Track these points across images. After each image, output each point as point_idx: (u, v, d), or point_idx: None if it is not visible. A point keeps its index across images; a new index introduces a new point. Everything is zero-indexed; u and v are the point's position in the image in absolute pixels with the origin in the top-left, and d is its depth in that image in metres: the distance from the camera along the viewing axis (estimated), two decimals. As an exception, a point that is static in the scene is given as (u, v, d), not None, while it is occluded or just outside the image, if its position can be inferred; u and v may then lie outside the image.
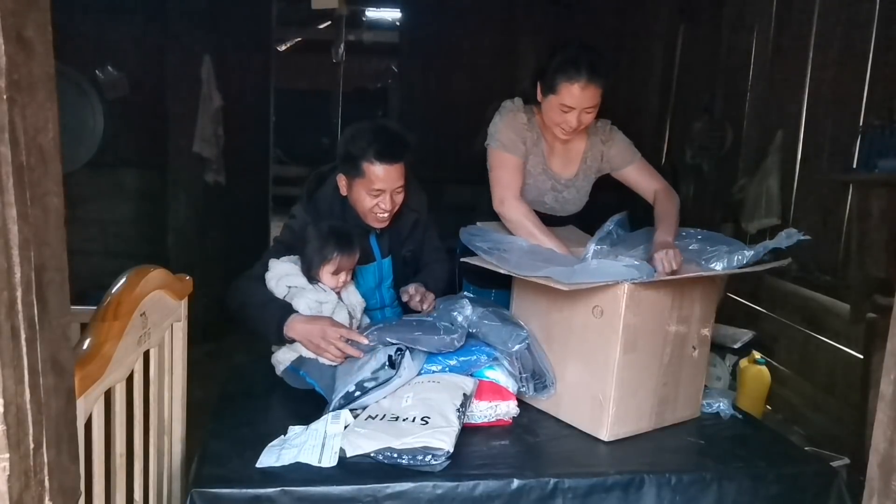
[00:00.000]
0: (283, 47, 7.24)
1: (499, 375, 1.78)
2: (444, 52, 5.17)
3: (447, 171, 4.27)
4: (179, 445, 1.79)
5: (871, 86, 2.82)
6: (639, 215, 2.04)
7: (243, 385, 1.88)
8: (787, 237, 1.75)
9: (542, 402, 1.81)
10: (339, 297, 1.93)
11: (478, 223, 2.03)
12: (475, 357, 1.75)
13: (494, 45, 5.07)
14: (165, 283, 1.61)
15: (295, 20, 6.82)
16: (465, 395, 1.62)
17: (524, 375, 1.75)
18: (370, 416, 1.58)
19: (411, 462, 1.43)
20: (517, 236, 1.96)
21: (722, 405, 1.89)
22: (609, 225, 1.89)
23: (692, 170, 4.13)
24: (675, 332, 1.74)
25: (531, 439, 1.68)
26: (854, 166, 2.83)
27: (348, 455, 1.46)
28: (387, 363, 1.65)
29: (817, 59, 3.18)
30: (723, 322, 3.18)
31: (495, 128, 2.11)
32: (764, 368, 3.06)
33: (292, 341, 1.81)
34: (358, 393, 1.64)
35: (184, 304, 1.77)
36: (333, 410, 1.63)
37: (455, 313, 1.81)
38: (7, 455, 0.79)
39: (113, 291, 1.32)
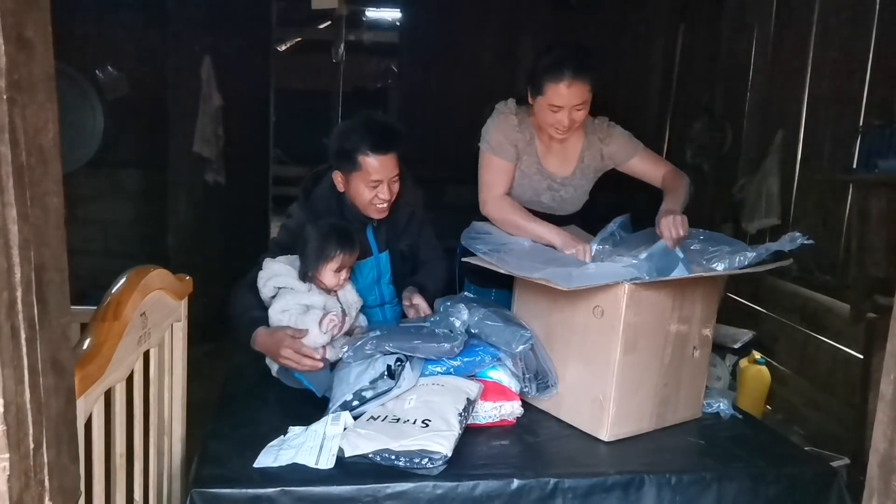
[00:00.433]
0: (283, 47, 7.24)
1: (501, 376, 1.78)
2: (444, 52, 5.17)
3: (447, 171, 4.27)
4: (179, 445, 1.79)
5: (871, 86, 2.82)
6: (641, 216, 2.04)
7: (243, 385, 1.88)
8: (791, 241, 1.73)
9: (543, 402, 1.81)
10: (337, 297, 1.93)
11: (474, 222, 2.04)
12: (479, 357, 1.75)
13: (494, 45, 5.07)
14: (165, 284, 1.61)
15: (295, 20, 6.82)
16: (468, 399, 1.62)
17: (527, 376, 1.75)
18: (372, 417, 1.58)
19: (408, 464, 1.43)
20: (513, 234, 1.97)
21: (722, 405, 1.89)
22: (612, 226, 1.90)
23: (692, 170, 4.12)
24: (675, 332, 1.74)
25: (531, 439, 1.68)
26: (854, 166, 2.83)
27: (347, 455, 1.46)
28: (385, 373, 1.64)
29: (817, 59, 3.18)
30: (723, 322, 3.18)
31: (486, 130, 2.14)
32: (764, 368, 3.06)
33: None
34: (356, 402, 1.63)
35: (184, 304, 1.77)
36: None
37: (453, 318, 1.81)
38: (7, 455, 0.79)
39: (113, 291, 1.32)
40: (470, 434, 1.61)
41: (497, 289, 2.23)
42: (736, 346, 3.32)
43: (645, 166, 2.20)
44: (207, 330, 3.70)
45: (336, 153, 2.01)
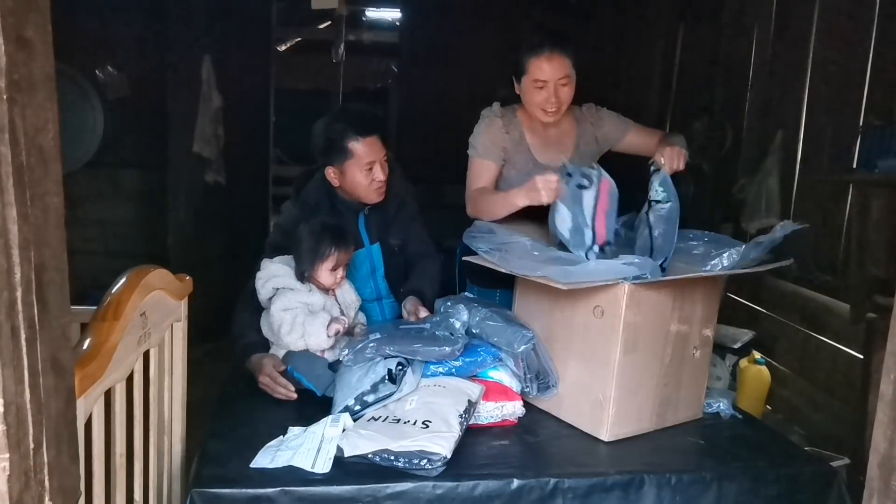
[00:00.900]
0: (283, 47, 7.22)
1: (503, 376, 1.78)
2: (444, 52, 5.18)
3: (447, 171, 4.25)
4: (179, 445, 1.79)
5: (871, 86, 2.81)
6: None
7: (243, 385, 1.88)
8: (783, 229, 1.74)
9: (543, 402, 1.81)
10: (335, 296, 1.93)
11: (476, 221, 2.04)
12: (480, 357, 1.76)
13: (494, 45, 5.07)
14: (165, 284, 1.61)
15: (295, 20, 6.81)
16: (469, 401, 1.61)
17: (529, 376, 1.75)
18: (373, 418, 1.58)
19: (407, 465, 1.43)
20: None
21: (722, 405, 1.89)
22: (615, 225, 1.90)
23: (692, 170, 4.13)
24: (676, 332, 1.74)
25: (531, 439, 1.68)
26: (854, 166, 2.83)
27: (346, 455, 1.45)
28: (386, 377, 1.63)
29: (817, 60, 3.18)
30: (723, 322, 3.17)
31: (473, 136, 2.21)
32: (764, 368, 3.06)
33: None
34: (358, 407, 1.62)
35: (184, 304, 1.77)
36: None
37: (453, 320, 1.81)
38: (7, 455, 0.79)
39: (113, 291, 1.32)
40: (470, 434, 1.61)
41: (501, 289, 2.23)
42: (736, 346, 3.32)
43: (640, 139, 2.24)
44: (207, 330, 3.70)
45: (324, 149, 2.05)
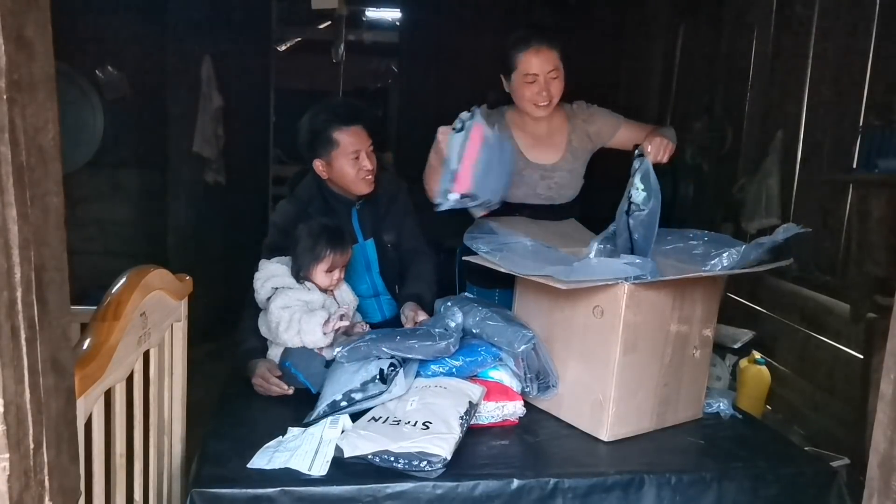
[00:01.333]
0: (283, 47, 7.22)
1: (503, 376, 1.78)
2: (444, 52, 5.17)
3: (447, 171, 4.26)
4: (179, 445, 1.79)
5: (871, 86, 2.81)
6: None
7: (243, 385, 1.88)
8: (785, 231, 1.74)
9: (543, 402, 1.81)
10: (333, 296, 1.93)
11: (477, 220, 2.03)
12: (480, 357, 1.76)
13: (494, 45, 5.04)
14: (165, 284, 1.61)
15: (295, 20, 6.80)
16: (470, 402, 1.61)
17: (529, 376, 1.75)
18: (374, 419, 1.57)
19: (407, 467, 1.42)
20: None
21: (722, 405, 1.89)
22: (613, 226, 1.90)
23: (692, 170, 4.13)
24: (676, 332, 1.74)
25: (531, 439, 1.68)
26: (854, 166, 2.83)
27: (346, 455, 1.45)
28: (377, 377, 1.62)
29: (817, 59, 3.18)
30: (723, 322, 3.18)
31: None
32: (764, 368, 3.06)
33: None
34: (344, 403, 1.61)
35: (184, 304, 1.77)
36: (317, 417, 1.61)
37: (448, 320, 1.81)
38: (7, 455, 0.79)
39: (113, 291, 1.32)
40: (470, 434, 1.61)
41: (501, 289, 2.23)
42: (736, 346, 3.32)
43: (632, 134, 2.24)
44: (207, 330, 3.70)
45: (310, 142, 2.08)
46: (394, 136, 6.61)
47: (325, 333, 1.81)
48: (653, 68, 4.71)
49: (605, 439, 1.67)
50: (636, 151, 1.85)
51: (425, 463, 1.42)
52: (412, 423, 1.52)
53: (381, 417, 1.57)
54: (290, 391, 1.81)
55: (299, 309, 1.84)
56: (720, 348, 3.27)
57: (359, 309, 2.06)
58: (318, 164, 2.08)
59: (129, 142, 4.50)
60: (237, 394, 1.86)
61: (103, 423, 1.28)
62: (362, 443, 1.47)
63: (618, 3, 4.96)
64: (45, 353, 0.85)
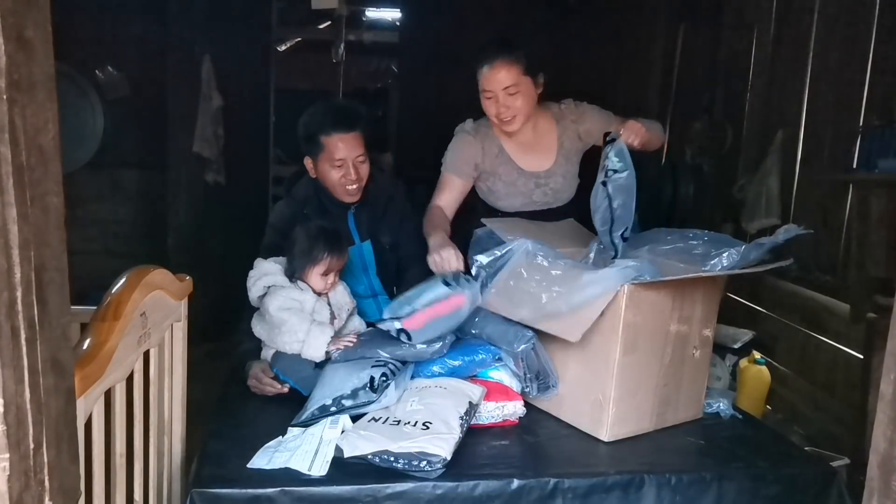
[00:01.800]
0: (283, 47, 7.22)
1: (503, 376, 1.78)
2: (444, 52, 5.17)
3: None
4: (179, 445, 1.79)
5: (871, 86, 2.81)
6: (641, 217, 2.04)
7: (243, 385, 1.88)
8: (786, 232, 1.74)
9: (543, 402, 1.81)
10: (326, 299, 1.91)
11: (476, 231, 2.02)
12: (480, 357, 1.75)
13: (494, 45, 5.07)
14: (165, 284, 1.61)
15: (295, 20, 6.81)
16: (470, 403, 1.61)
17: (529, 376, 1.75)
18: (374, 419, 1.57)
19: (406, 467, 1.42)
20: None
21: (722, 405, 1.89)
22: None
23: (692, 170, 4.13)
24: (675, 332, 1.74)
25: (531, 439, 1.68)
26: (854, 166, 2.83)
27: (346, 455, 1.45)
28: (368, 385, 1.61)
29: (817, 59, 3.18)
30: (723, 322, 3.17)
31: (446, 152, 2.23)
32: (764, 368, 3.06)
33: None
34: (334, 409, 1.61)
35: (184, 304, 1.77)
36: (307, 419, 1.61)
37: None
38: (7, 455, 0.79)
39: (113, 291, 1.32)
40: (470, 434, 1.61)
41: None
42: (736, 346, 3.32)
43: None
44: (207, 330, 3.70)
45: (302, 139, 2.08)
46: (394, 135, 6.62)
47: (326, 351, 1.79)
48: (653, 68, 4.70)
49: (605, 439, 1.67)
50: (609, 136, 1.82)
51: (425, 463, 1.42)
52: (412, 423, 1.52)
53: (381, 417, 1.57)
54: (285, 389, 1.79)
55: (306, 318, 1.80)
56: (720, 348, 3.27)
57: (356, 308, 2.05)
58: (307, 161, 2.08)
59: (129, 142, 4.50)
60: (237, 394, 1.86)
61: (103, 423, 1.28)
62: (362, 443, 1.47)
63: (618, 3, 4.95)
64: (45, 353, 0.85)
